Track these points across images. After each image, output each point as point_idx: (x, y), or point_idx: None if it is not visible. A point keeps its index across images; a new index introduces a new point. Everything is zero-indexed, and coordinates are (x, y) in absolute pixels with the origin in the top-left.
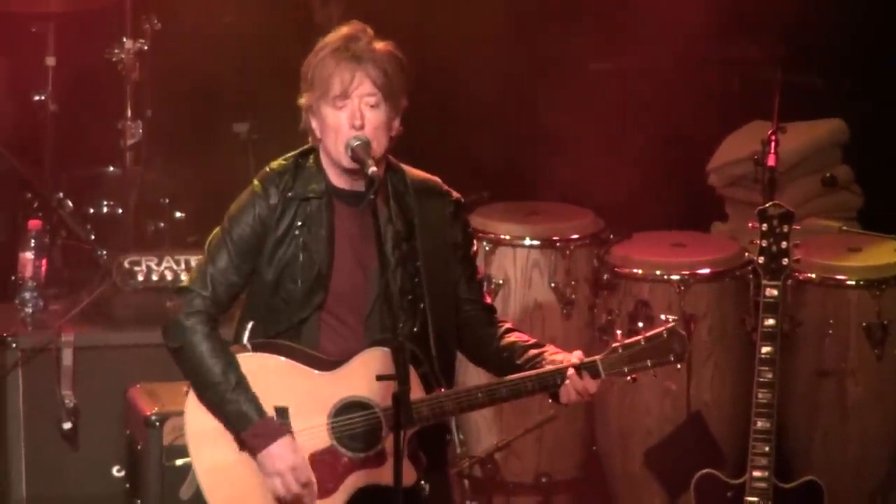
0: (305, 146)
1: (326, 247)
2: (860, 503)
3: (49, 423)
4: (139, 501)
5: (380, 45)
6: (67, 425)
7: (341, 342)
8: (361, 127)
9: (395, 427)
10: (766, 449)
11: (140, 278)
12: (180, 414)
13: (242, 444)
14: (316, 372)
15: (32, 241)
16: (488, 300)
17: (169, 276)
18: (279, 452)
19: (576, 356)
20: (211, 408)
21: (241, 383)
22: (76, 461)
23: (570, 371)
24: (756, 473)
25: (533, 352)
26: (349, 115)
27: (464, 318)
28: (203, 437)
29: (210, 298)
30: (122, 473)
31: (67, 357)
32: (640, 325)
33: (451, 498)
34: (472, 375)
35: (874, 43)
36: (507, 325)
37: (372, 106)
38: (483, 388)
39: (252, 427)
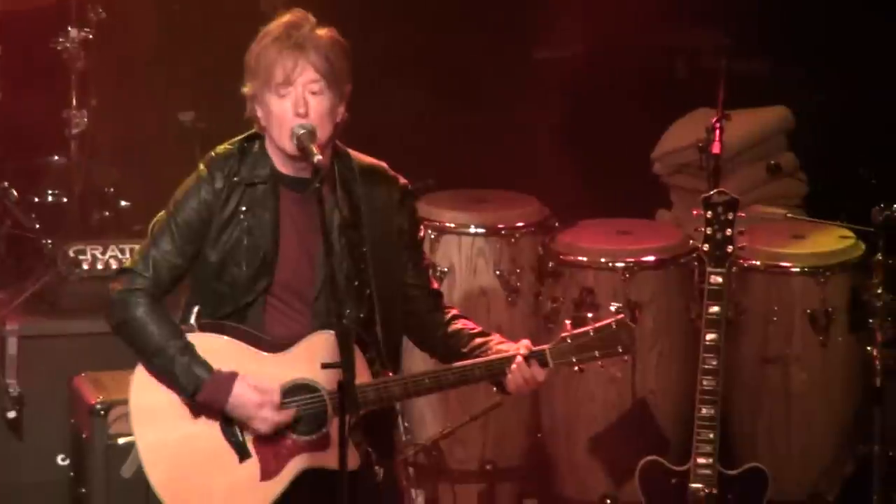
0: (250, 131)
1: (271, 232)
2: (805, 489)
3: None
4: (84, 489)
5: (322, 32)
6: (12, 414)
7: (289, 326)
8: (305, 114)
9: (340, 413)
10: (711, 436)
11: (85, 267)
12: (125, 402)
13: (200, 407)
14: (264, 353)
15: None
16: (435, 285)
17: (114, 265)
18: (241, 396)
19: (524, 346)
20: (159, 374)
21: (188, 347)
22: (20, 450)
23: (519, 359)
24: (700, 460)
25: (479, 340)
26: (293, 102)
27: (410, 304)
28: (146, 415)
29: (152, 279)
30: (67, 462)
31: (12, 346)
32: (586, 312)
33: (400, 483)
34: (416, 360)
35: (820, 30)
36: (454, 312)
37: (315, 93)
38: (430, 374)
39: (205, 386)
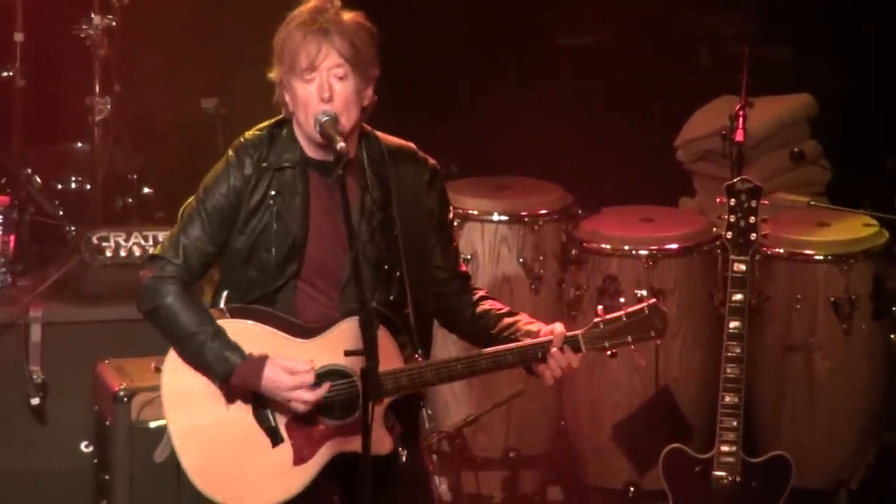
0: (279, 117)
1: (301, 216)
2: (828, 477)
3: (17, 399)
4: (107, 476)
5: (347, 16)
6: (35, 401)
7: (318, 310)
8: (330, 99)
9: (363, 400)
10: (734, 423)
11: (108, 254)
12: (148, 389)
13: (234, 393)
14: (295, 339)
15: (0, 216)
16: (463, 267)
17: (137, 252)
18: (275, 375)
19: (558, 331)
20: (191, 360)
21: (220, 332)
22: (44, 437)
23: (555, 350)
24: (724, 448)
25: (507, 321)
26: (317, 87)
27: (440, 287)
28: (178, 400)
29: (182, 267)
30: (91, 449)
31: (36, 333)
32: (609, 300)
33: (426, 466)
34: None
35: (843, 16)
36: (481, 293)
37: (340, 78)
38: (463, 360)
39: (238, 369)
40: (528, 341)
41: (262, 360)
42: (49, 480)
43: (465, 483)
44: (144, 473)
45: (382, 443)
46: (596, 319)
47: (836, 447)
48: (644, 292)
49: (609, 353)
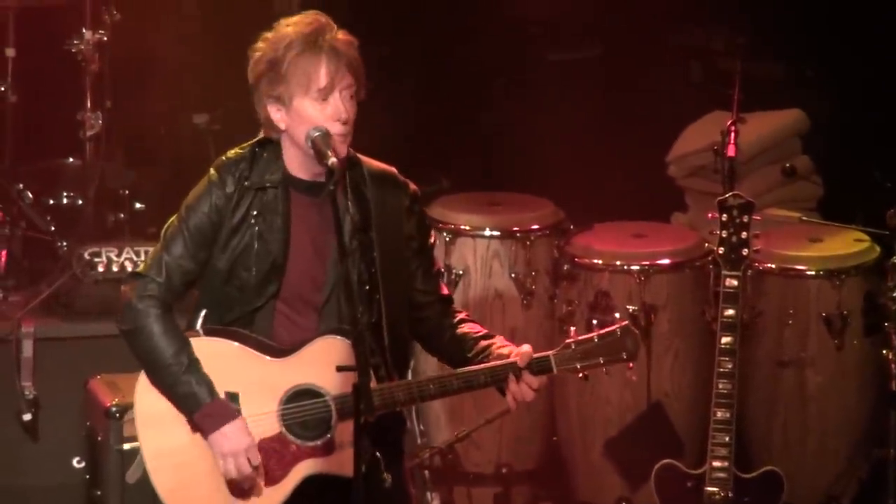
0: (260, 136)
1: (282, 236)
2: (820, 492)
3: (9, 415)
4: (99, 492)
5: (344, 36)
6: (27, 417)
7: (295, 331)
8: (347, 121)
9: (355, 417)
10: (726, 439)
11: (100, 269)
12: None
13: (194, 426)
14: (268, 358)
15: None
16: (445, 291)
17: (129, 267)
18: (232, 434)
19: (525, 351)
20: (163, 389)
21: (194, 365)
22: (36, 452)
23: (511, 377)
24: (716, 463)
25: (482, 343)
26: (334, 108)
27: (421, 311)
28: (151, 421)
29: (164, 285)
30: (83, 465)
31: (27, 348)
32: (601, 315)
33: (407, 490)
34: (431, 363)
35: (835, 32)
36: (462, 316)
37: (351, 97)
38: (435, 380)
39: (204, 407)
40: (497, 362)
41: (231, 413)
42: (41, 496)
43: (458, 498)
44: (136, 489)
45: (350, 464)
46: (567, 340)
47: (827, 463)
48: (636, 307)
49: (580, 374)
